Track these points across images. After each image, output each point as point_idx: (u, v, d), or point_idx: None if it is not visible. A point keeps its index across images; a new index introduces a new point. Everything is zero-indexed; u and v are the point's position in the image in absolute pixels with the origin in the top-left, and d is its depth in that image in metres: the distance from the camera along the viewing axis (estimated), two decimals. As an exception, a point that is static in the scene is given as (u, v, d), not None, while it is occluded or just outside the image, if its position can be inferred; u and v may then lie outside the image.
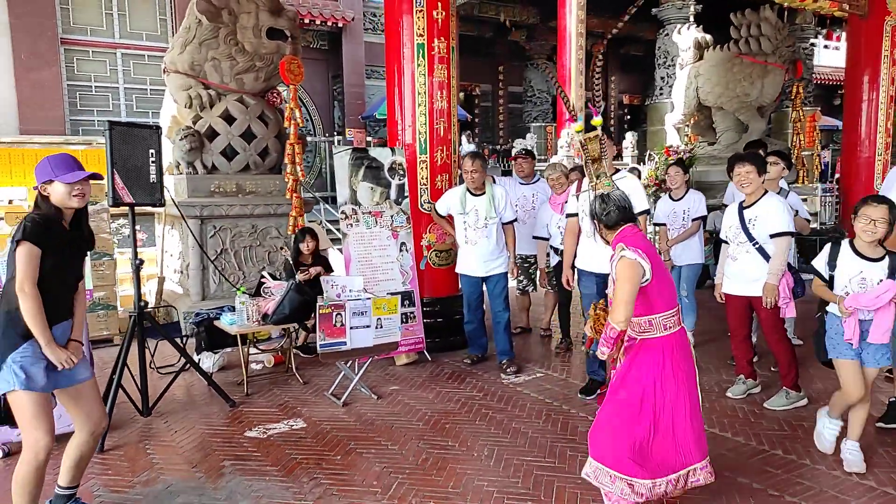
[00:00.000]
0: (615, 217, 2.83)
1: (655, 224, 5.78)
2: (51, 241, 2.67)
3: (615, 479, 2.65)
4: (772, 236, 4.03)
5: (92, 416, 2.85)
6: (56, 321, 2.72)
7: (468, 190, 5.07)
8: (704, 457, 2.74)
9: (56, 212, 2.74)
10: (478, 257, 5.05)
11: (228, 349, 5.19)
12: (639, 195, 4.25)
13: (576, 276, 4.63)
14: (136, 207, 4.06)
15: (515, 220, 5.23)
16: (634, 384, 2.71)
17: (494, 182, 5.74)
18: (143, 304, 4.10)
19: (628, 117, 23.17)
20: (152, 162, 4.03)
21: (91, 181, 2.80)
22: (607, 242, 2.92)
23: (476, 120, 19.54)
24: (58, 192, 2.71)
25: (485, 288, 5.23)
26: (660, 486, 2.64)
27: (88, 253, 3.10)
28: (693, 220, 5.46)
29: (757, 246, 4.06)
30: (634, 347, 2.76)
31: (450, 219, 5.30)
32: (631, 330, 2.75)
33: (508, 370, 5.03)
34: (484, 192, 5.04)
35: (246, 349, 4.87)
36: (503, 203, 5.08)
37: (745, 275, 4.12)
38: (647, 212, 4.43)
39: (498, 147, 19.06)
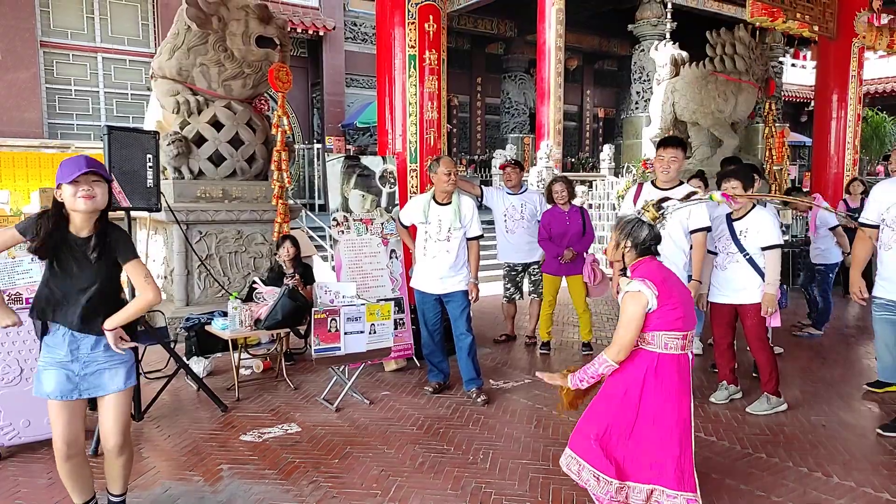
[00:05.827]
0: (650, 248, 2.70)
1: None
2: (47, 240, 2.50)
3: (583, 468, 2.62)
4: (764, 248, 4.18)
5: (103, 430, 2.74)
6: (62, 322, 2.58)
7: (433, 198, 4.70)
8: (686, 490, 2.57)
9: (65, 217, 2.54)
10: (435, 272, 4.64)
11: (218, 354, 5.18)
12: (702, 210, 4.28)
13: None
14: (132, 212, 4.06)
15: (482, 235, 4.76)
16: (620, 381, 2.66)
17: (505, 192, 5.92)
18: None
19: (602, 130, 23.62)
20: (149, 167, 4.04)
21: (101, 181, 2.53)
22: (624, 269, 2.76)
23: (454, 130, 19.70)
24: (66, 196, 2.49)
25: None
26: (623, 490, 2.61)
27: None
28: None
29: (748, 257, 4.21)
30: (632, 353, 2.68)
31: (413, 231, 4.89)
32: None
33: (479, 399, 4.58)
34: (450, 202, 4.65)
35: (237, 354, 4.87)
36: (470, 215, 4.66)
37: (733, 284, 4.26)
38: (709, 228, 4.32)
39: (476, 157, 19.25)
